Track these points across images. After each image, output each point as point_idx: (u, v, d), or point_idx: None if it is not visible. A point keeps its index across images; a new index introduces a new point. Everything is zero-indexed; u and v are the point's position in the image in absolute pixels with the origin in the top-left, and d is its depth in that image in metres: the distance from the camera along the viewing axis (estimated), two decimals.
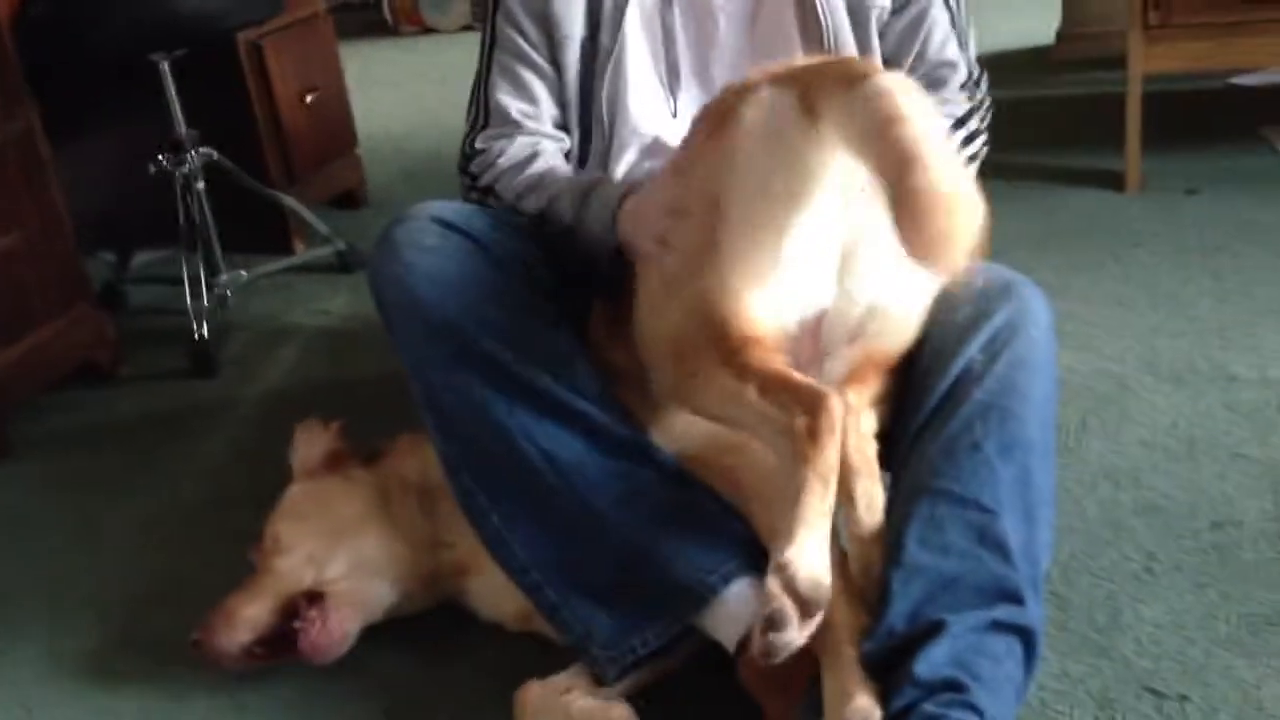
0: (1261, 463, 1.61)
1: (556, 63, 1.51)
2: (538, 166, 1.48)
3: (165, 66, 2.46)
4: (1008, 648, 1.13)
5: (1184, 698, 1.24)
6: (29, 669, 1.52)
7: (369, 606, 1.44)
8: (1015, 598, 1.15)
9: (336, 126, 3.16)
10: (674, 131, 1.48)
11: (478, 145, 1.55)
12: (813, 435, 1.08)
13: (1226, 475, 1.59)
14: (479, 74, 1.57)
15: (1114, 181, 2.66)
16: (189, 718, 1.41)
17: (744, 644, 1.20)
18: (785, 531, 1.08)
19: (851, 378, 1.23)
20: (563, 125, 1.55)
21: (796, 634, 1.06)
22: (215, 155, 2.56)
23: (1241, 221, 2.40)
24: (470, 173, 1.53)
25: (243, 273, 2.61)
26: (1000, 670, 1.12)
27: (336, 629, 1.39)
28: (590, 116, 1.51)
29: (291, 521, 1.48)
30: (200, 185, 2.52)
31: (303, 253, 2.88)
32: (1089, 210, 2.57)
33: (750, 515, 1.28)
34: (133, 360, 2.41)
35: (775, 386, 1.12)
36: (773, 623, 1.06)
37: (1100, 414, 1.76)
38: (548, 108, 1.53)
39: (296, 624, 1.39)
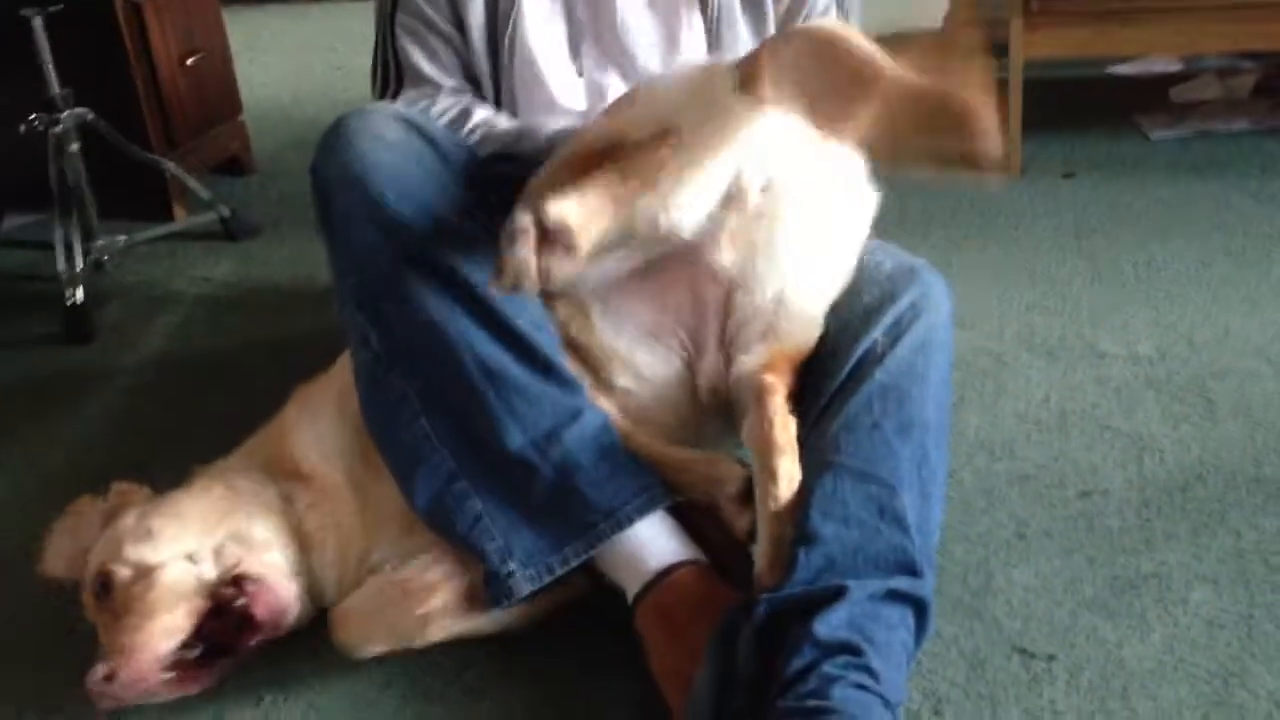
0: (1128, 435, 1.67)
1: (461, 24, 1.49)
2: (474, 121, 1.46)
3: (38, 23, 2.38)
4: (901, 616, 1.17)
5: (1051, 657, 1.29)
6: None
7: (288, 572, 1.35)
8: (912, 569, 1.19)
9: (220, 91, 3.08)
10: (580, 92, 1.49)
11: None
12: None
13: (1094, 446, 1.65)
14: (380, 38, 1.54)
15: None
16: None
17: (642, 595, 1.23)
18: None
19: (767, 369, 1.29)
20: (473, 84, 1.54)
21: (529, 253, 1.09)
22: (90, 116, 2.47)
23: (1115, 205, 2.48)
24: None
25: (120, 238, 2.53)
26: (894, 637, 1.15)
27: (282, 590, 1.31)
28: (499, 75, 1.50)
29: (141, 542, 1.32)
30: (74, 147, 2.43)
31: (184, 219, 2.81)
32: (970, 191, 2.63)
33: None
34: (2, 325, 2.33)
35: None
36: (510, 237, 1.09)
37: (977, 388, 1.81)
38: (455, 72, 1.52)
39: (239, 602, 1.28)
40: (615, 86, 1.51)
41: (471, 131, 1.45)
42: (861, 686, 1.09)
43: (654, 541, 1.25)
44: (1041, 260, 2.25)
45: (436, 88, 1.49)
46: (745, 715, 1.10)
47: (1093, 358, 1.88)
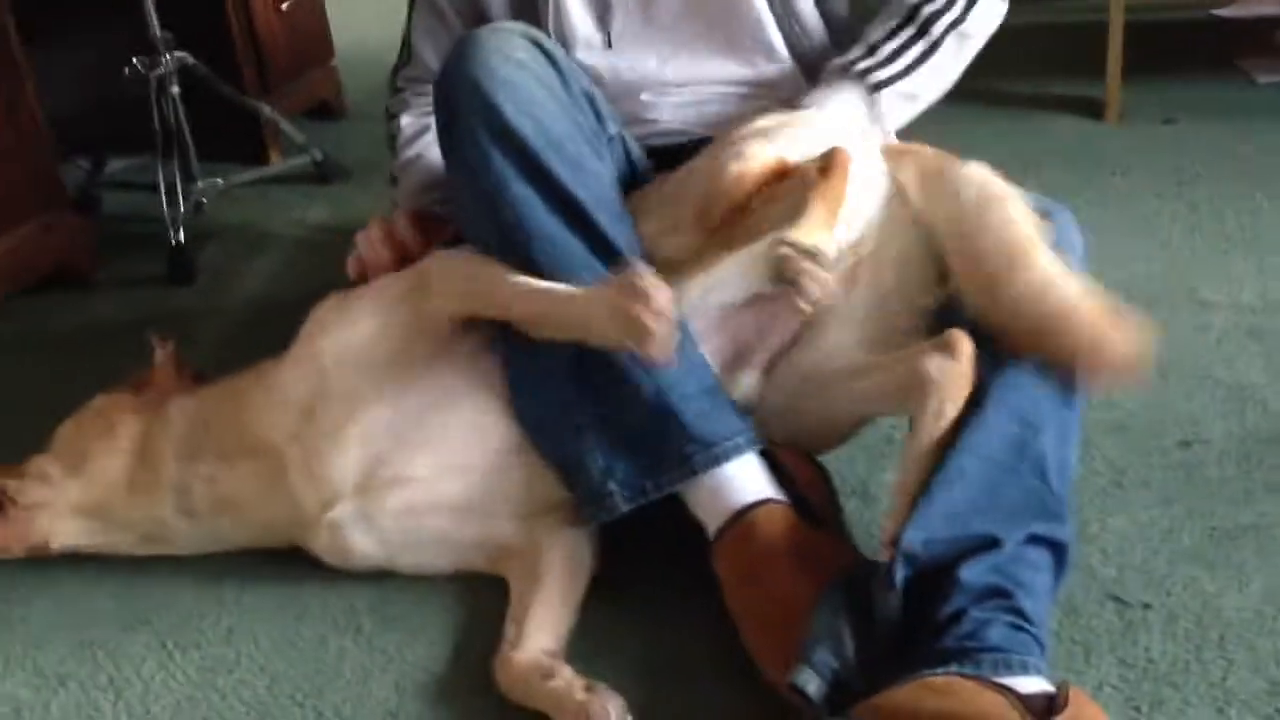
0: (1229, 385, 1.64)
1: (479, 17, 1.54)
2: (411, 152, 1.60)
3: None
4: (1043, 559, 1.18)
5: (1146, 606, 1.28)
6: None
7: (42, 540, 1.45)
8: (1052, 513, 1.19)
9: (313, 35, 3.12)
10: (609, 63, 1.51)
11: (399, 83, 1.67)
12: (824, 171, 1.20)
13: (1194, 396, 1.62)
14: (408, 8, 1.65)
15: (1094, 109, 2.67)
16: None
17: (722, 531, 1.23)
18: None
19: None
20: None
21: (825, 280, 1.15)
22: (190, 59, 2.52)
23: (1217, 151, 2.42)
24: (390, 109, 1.65)
25: (219, 181, 2.59)
26: (1039, 579, 1.16)
27: (20, 527, 1.44)
28: None
29: (72, 431, 1.49)
30: (175, 90, 2.48)
31: (278, 162, 2.86)
32: (1068, 138, 2.58)
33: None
34: (109, 266, 2.40)
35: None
36: (800, 260, 1.14)
37: None
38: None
39: None
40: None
41: (405, 159, 1.60)
42: (1017, 627, 1.10)
43: (739, 479, 1.26)
44: (1141, 208, 2.20)
45: (432, 77, 1.55)
46: (880, 662, 1.11)
47: (1193, 306, 1.84)
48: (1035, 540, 1.17)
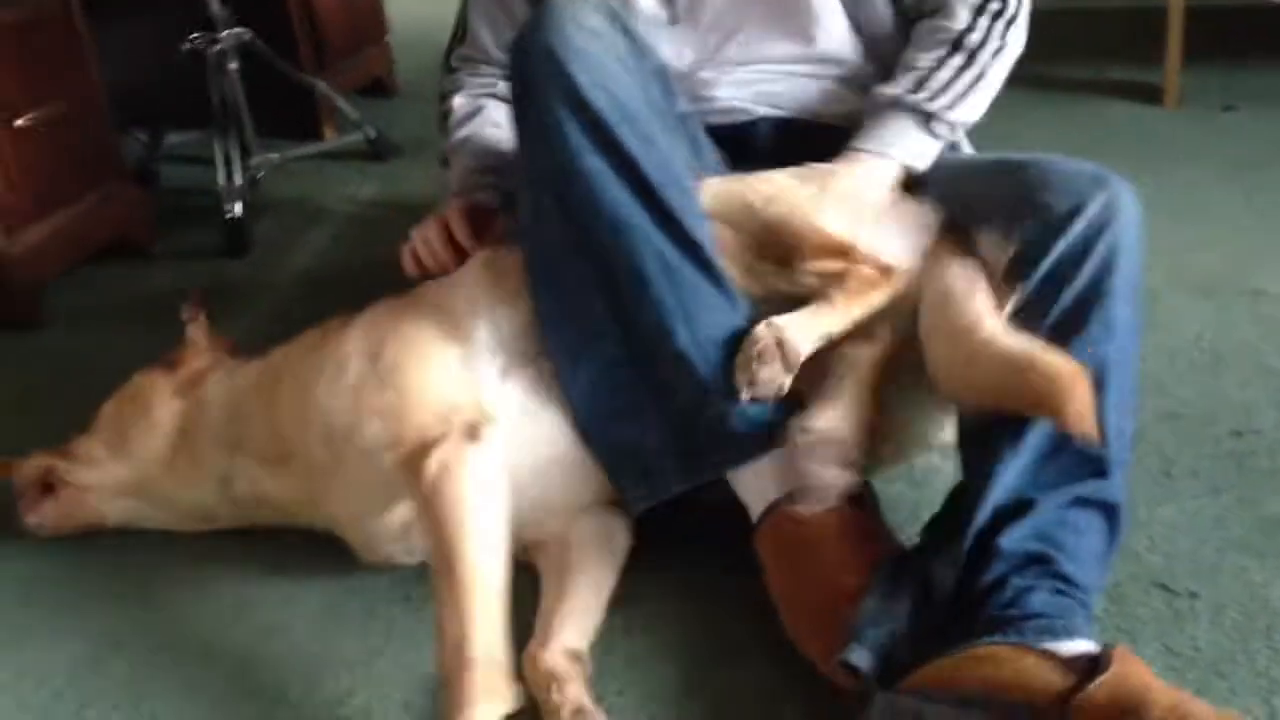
0: None
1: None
2: (464, 132, 1.59)
3: None
4: (1090, 521, 1.17)
5: (1193, 594, 1.27)
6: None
7: (95, 518, 1.50)
8: (1101, 472, 1.19)
9: (368, 13, 3.15)
10: (671, 40, 1.51)
11: (453, 63, 1.67)
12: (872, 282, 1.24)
13: (1248, 386, 1.61)
14: None
15: (1152, 95, 2.64)
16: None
17: (766, 513, 1.24)
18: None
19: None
20: None
21: (780, 374, 1.22)
22: (248, 35, 2.55)
23: (1277, 139, 2.38)
24: (443, 89, 1.64)
25: (274, 156, 2.62)
26: (1084, 542, 1.16)
27: (35, 518, 1.49)
28: None
29: (113, 410, 1.51)
30: (233, 66, 2.52)
31: (332, 138, 2.89)
32: (1125, 123, 2.55)
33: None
34: (166, 238, 2.43)
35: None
36: (761, 356, 1.22)
37: None
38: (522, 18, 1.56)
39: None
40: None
41: (458, 138, 1.60)
42: (1059, 591, 1.11)
43: (778, 459, 1.26)
44: (1198, 195, 2.18)
45: (486, 55, 1.60)
46: (927, 636, 1.11)
47: (1249, 296, 1.82)
48: (1080, 503, 1.17)
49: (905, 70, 1.43)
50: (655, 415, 1.28)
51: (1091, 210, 1.26)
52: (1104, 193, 1.28)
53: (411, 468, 1.26)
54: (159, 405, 1.48)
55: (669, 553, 1.37)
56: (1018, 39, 1.46)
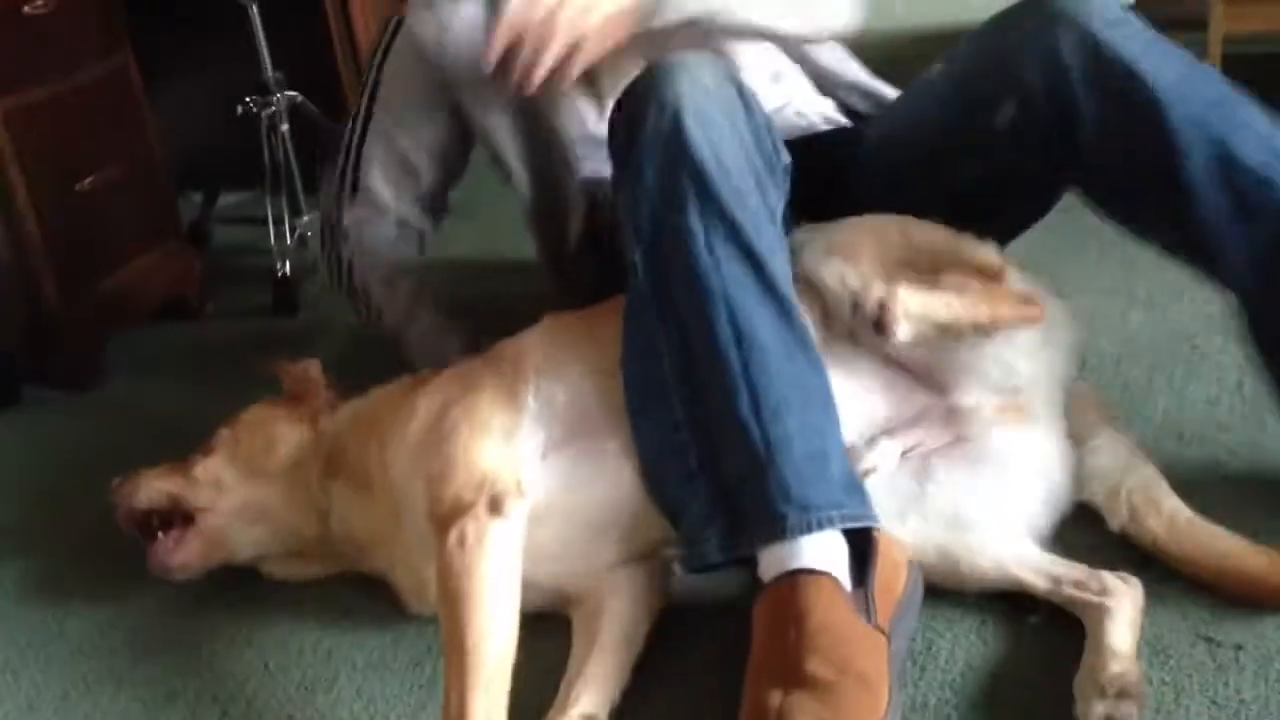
0: None
1: (439, 151, 1.71)
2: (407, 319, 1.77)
3: (254, 10, 2.52)
4: None
5: (1239, 647, 1.26)
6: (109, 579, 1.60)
7: (228, 549, 1.50)
8: None
9: None
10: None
11: (345, 223, 1.78)
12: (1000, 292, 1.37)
13: None
14: (352, 131, 1.76)
15: None
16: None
17: (771, 582, 1.20)
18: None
19: None
20: (443, 185, 1.81)
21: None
22: (300, 98, 2.62)
23: None
24: (337, 252, 1.78)
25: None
26: None
27: (182, 556, 1.48)
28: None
29: (231, 438, 1.53)
30: (285, 128, 2.58)
31: None
32: None
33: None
34: (217, 297, 2.49)
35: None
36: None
37: (1167, 372, 1.77)
38: (428, 176, 1.75)
39: (160, 534, 1.48)
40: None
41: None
42: None
43: (813, 546, 1.21)
44: None
45: (382, 212, 1.72)
46: None
47: None
48: None
49: None
50: (704, 485, 1.26)
51: (1066, 56, 1.37)
52: (1054, 26, 1.37)
53: (438, 533, 1.29)
54: (281, 432, 1.52)
55: (701, 620, 1.38)
56: None
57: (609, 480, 1.36)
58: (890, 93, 1.82)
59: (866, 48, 1.85)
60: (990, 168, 1.52)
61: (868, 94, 1.83)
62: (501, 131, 1.73)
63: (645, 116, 1.29)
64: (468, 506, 1.29)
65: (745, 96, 1.36)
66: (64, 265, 2.14)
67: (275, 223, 2.51)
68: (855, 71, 1.85)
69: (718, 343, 1.24)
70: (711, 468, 1.25)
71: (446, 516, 1.29)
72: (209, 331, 2.39)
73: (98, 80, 2.22)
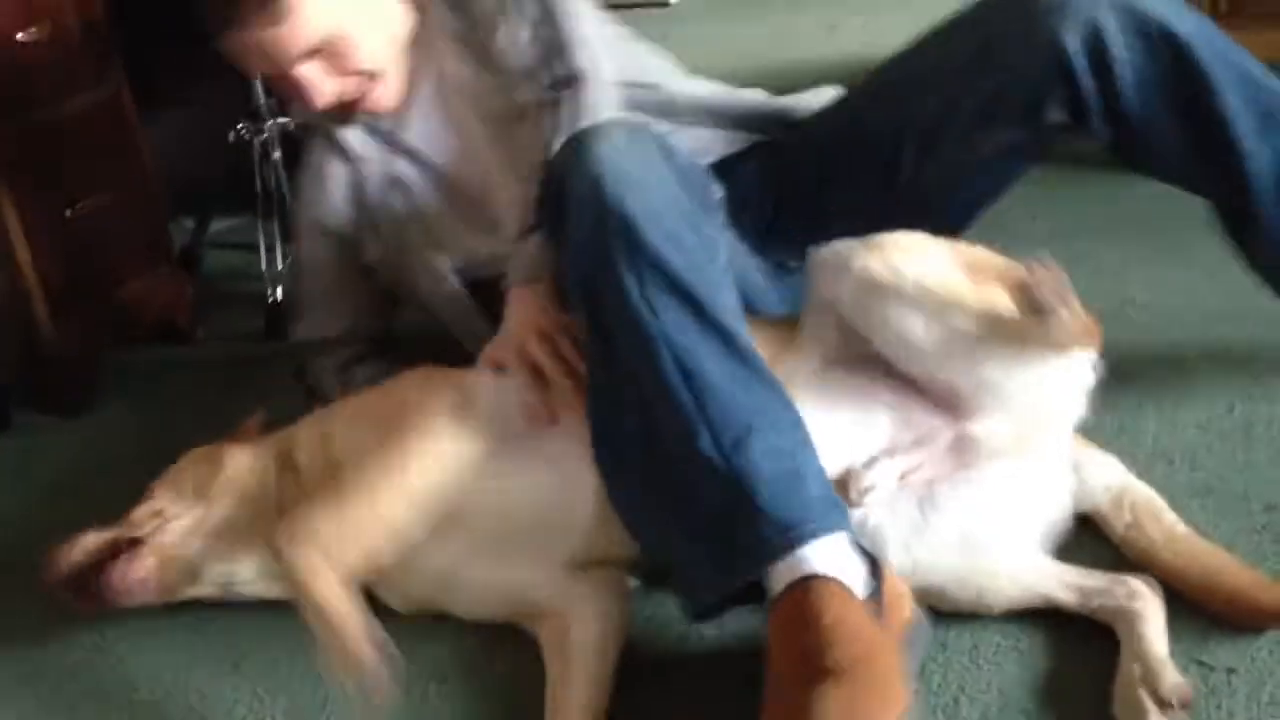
0: None
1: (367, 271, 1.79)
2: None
3: None
4: None
5: (1231, 670, 1.26)
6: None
7: (189, 569, 1.47)
8: None
9: None
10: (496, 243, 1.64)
11: (298, 350, 1.86)
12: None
13: None
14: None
15: None
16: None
17: (781, 595, 1.19)
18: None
19: None
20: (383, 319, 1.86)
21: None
22: (292, 125, 2.62)
23: None
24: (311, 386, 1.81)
25: None
26: None
27: (137, 571, 1.43)
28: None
29: (169, 481, 1.52)
30: (277, 154, 2.59)
31: None
32: (1158, 197, 2.53)
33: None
34: (208, 322, 2.49)
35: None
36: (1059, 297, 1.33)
37: (1157, 396, 1.77)
38: (366, 317, 1.82)
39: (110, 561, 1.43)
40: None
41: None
42: None
43: (814, 555, 1.20)
44: (1229, 267, 2.16)
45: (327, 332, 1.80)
46: None
47: None
48: None
49: None
50: (684, 531, 1.26)
51: (1065, 37, 1.52)
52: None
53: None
54: (225, 456, 1.53)
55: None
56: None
57: (560, 471, 1.39)
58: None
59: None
60: (1004, 137, 1.64)
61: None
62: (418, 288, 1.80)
63: (568, 186, 1.35)
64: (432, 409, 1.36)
65: (661, 144, 1.40)
66: (55, 290, 2.14)
67: (267, 248, 2.51)
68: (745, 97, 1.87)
69: (668, 385, 1.26)
70: (689, 513, 1.26)
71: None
72: (201, 356, 2.39)
73: (91, 107, 2.22)
